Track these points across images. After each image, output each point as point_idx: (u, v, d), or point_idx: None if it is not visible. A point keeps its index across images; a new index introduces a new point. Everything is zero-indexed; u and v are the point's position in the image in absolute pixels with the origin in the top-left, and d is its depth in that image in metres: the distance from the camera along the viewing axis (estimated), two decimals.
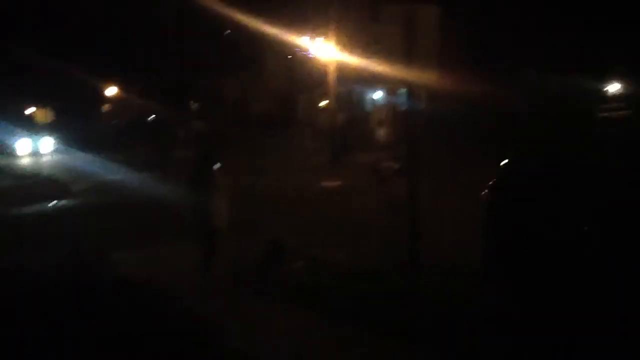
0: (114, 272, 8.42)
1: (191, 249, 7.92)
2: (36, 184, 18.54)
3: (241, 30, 27.12)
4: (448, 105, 23.79)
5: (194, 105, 47.88)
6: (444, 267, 7.27)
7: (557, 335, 5.03)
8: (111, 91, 50.99)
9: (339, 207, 12.78)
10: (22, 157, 34.08)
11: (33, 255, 9.64)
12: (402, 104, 26.02)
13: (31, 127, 34.28)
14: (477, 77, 22.47)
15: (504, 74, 22.85)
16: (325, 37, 24.14)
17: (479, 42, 24.55)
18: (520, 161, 6.46)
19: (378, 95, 33.08)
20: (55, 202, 15.74)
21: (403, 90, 7.59)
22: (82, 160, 28.06)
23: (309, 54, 26.65)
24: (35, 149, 34.59)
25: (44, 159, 31.60)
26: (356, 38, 24.12)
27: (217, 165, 7.67)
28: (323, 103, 32.67)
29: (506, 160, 6.42)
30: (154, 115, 51.97)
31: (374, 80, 28.04)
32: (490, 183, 6.42)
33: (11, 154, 33.84)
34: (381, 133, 29.16)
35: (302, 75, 32.16)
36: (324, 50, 24.18)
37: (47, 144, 34.54)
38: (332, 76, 23.65)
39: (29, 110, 39.86)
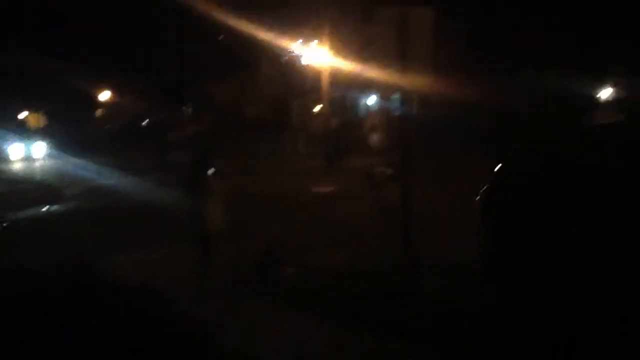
0: (109, 275, 8.39)
1: (186, 252, 7.91)
2: (29, 188, 18.48)
3: (235, 35, 27.12)
4: (443, 108, 23.84)
5: (187, 109, 47.86)
6: (442, 268, 7.30)
7: (557, 335, 5.04)
8: (104, 95, 50.94)
9: (332, 211, 12.79)
10: (14, 161, 33.92)
11: (27, 259, 9.60)
12: (396, 109, 26.11)
13: (24, 131, 34.13)
14: (474, 78, 22.53)
15: (503, 74, 22.90)
16: (319, 42, 24.20)
17: (478, 42, 24.62)
18: (514, 165, 6.47)
19: (372, 100, 33.18)
20: (48, 206, 15.66)
21: (397, 96, 7.62)
22: (75, 165, 27.95)
23: (303, 58, 26.70)
24: (28, 153, 34.44)
25: (37, 163, 31.46)
26: (350, 42, 24.17)
27: (212, 169, 7.67)
28: (317, 108, 32.73)
29: (499, 166, 6.43)
30: (147, 120, 51.94)
31: (367, 86, 28.09)
32: (484, 188, 6.43)
33: (4, 158, 33.68)
34: (375, 138, 29.19)
35: (296, 80, 32.20)
36: (318, 54, 24.24)
37: (40, 149, 34.40)
38: (325, 81, 23.71)
39: (22, 115, 39.72)
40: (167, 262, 9.02)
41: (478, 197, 6.43)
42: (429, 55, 6.65)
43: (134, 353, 5.59)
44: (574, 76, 23.60)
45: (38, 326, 6.28)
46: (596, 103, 27.34)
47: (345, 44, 24.10)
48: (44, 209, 15.61)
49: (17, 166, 31.41)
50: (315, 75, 25.50)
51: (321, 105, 26.28)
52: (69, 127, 42.45)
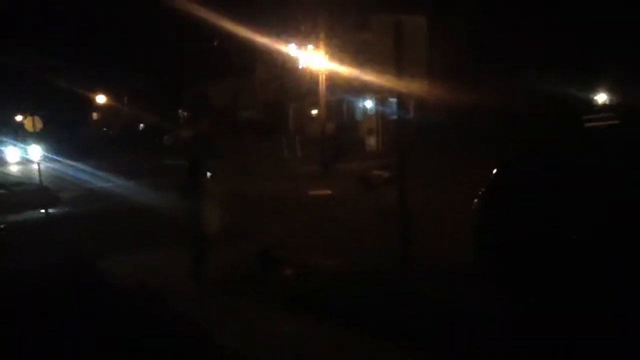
0: (106, 277, 8.43)
1: (184, 254, 7.95)
2: (26, 191, 18.41)
3: (231, 39, 27.18)
4: (440, 111, 23.92)
5: (183, 113, 47.89)
6: (441, 269, 7.35)
7: (557, 335, 5.09)
8: (100, 99, 50.91)
9: (330, 214, 12.84)
10: (11, 164, 33.87)
11: (25, 261, 9.63)
12: (392, 113, 26.19)
13: (20, 134, 34.10)
14: (473, 79, 22.58)
15: (502, 74, 22.94)
16: (315, 46, 24.29)
17: (477, 43, 24.67)
18: (513, 166, 6.51)
19: (368, 104, 33.27)
20: (45, 209, 15.67)
21: (393, 99, 7.67)
22: (72, 168, 27.94)
23: (299, 62, 26.77)
24: (25, 156, 34.37)
25: (34, 166, 31.38)
26: (346, 47, 24.26)
27: (209, 172, 7.74)
28: (313, 112, 32.81)
29: (498, 166, 6.48)
30: (143, 123, 51.93)
31: (363, 89, 28.18)
32: (482, 189, 6.48)
33: (0, 161, 33.63)
34: (371, 142, 29.29)
35: (292, 84, 32.24)
36: (314, 59, 24.32)
37: (36, 152, 34.32)
38: (322, 85, 23.78)
39: (18, 118, 39.70)
40: (165, 264, 9.06)
41: (477, 199, 6.48)
42: (424, 61, 6.74)
43: (132, 354, 5.63)
44: (573, 76, 23.71)
45: (36, 326, 6.32)
46: (594, 104, 27.49)
47: (341, 49, 24.19)
48: (41, 212, 15.61)
49: (13, 169, 31.36)
50: (312, 79, 25.55)
51: (317, 109, 26.34)
52: (65, 130, 42.48)
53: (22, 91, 41.46)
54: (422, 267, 7.02)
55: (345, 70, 23.06)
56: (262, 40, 25.93)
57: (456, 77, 22.13)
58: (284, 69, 29.44)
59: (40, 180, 19.14)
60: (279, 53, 27.45)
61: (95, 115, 59.20)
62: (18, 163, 34.84)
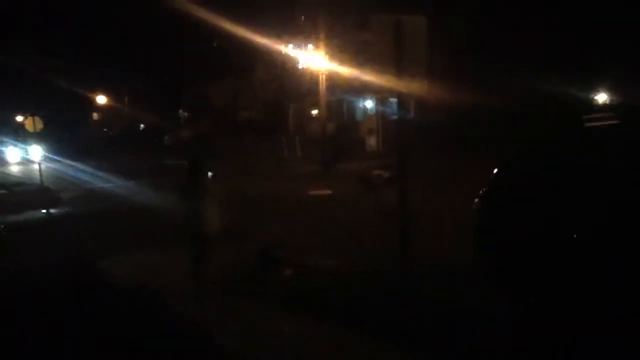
0: (107, 277, 8.44)
1: (184, 254, 7.96)
2: (26, 191, 18.45)
3: (231, 39, 27.20)
4: (440, 111, 23.91)
5: (184, 113, 47.92)
6: (441, 268, 7.36)
7: (556, 335, 5.09)
8: (101, 99, 50.94)
9: (330, 214, 12.86)
10: (12, 165, 33.91)
11: (25, 261, 9.64)
12: (393, 113, 26.21)
13: (21, 135, 34.15)
14: (473, 79, 22.57)
15: (502, 74, 22.93)
16: (315, 46, 24.30)
17: (477, 43, 24.66)
18: (513, 166, 6.52)
19: (368, 104, 33.27)
20: (46, 209, 15.70)
21: (393, 99, 7.67)
22: (72, 169, 27.97)
23: (299, 62, 26.79)
24: (25, 157, 34.41)
25: (34, 166, 31.42)
26: (346, 47, 24.28)
27: (209, 172, 7.75)
28: (313, 112, 32.82)
29: (498, 167, 6.49)
30: (143, 123, 51.96)
31: (364, 90, 28.19)
32: (481, 192, 6.49)
33: (1, 162, 33.66)
34: (371, 142, 29.31)
35: (292, 84, 32.25)
36: (314, 59, 24.33)
37: (36, 152, 34.37)
38: (322, 85, 23.79)
39: (19, 118, 39.74)
40: (165, 264, 9.08)
41: (477, 199, 6.49)
42: (423, 61, 6.75)
43: (132, 354, 5.64)
44: (573, 76, 23.71)
45: (36, 326, 6.33)
46: (594, 103, 27.49)
47: (341, 49, 24.20)
48: (41, 212, 15.64)
49: (14, 169, 31.39)
50: (312, 79, 25.56)
51: (317, 109, 26.35)
52: (66, 130, 42.52)
53: (22, 91, 41.50)
54: (422, 267, 7.03)
55: (345, 70, 23.07)
56: (262, 40, 25.95)
57: (456, 77, 22.11)
58: (284, 69, 29.46)
59: (41, 181, 19.18)
60: (279, 53, 27.47)
61: (95, 116, 59.26)
62: (18, 163, 34.89)
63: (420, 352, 5.27)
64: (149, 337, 5.97)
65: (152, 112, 43.40)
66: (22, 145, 34.86)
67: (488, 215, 6.28)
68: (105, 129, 55.76)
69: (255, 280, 7.88)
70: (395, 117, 11.48)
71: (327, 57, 23.52)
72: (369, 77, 7.11)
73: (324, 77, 23.69)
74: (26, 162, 33.80)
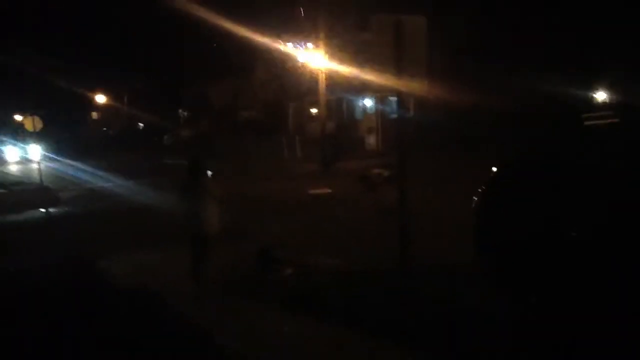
0: (107, 277, 8.44)
1: (184, 254, 7.96)
2: (25, 191, 18.47)
3: (231, 39, 27.20)
4: (440, 110, 23.92)
5: (183, 113, 47.92)
6: (440, 268, 7.37)
7: (556, 335, 5.09)
8: (100, 99, 50.92)
9: (330, 213, 12.85)
10: (11, 164, 33.90)
11: (25, 260, 9.64)
12: (392, 112, 26.22)
13: (20, 134, 34.15)
14: (473, 79, 22.58)
15: (502, 74, 22.95)
16: (315, 46, 24.29)
17: (477, 42, 24.67)
18: (511, 165, 6.53)
19: (368, 103, 33.27)
20: (45, 209, 15.68)
21: (393, 98, 7.68)
22: (72, 168, 27.97)
23: (299, 62, 26.77)
24: (25, 156, 34.40)
25: (33, 166, 31.44)
26: (346, 46, 24.27)
27: (209, 172, 7.75)
28: (313, 111, 32.83)
29: (496, 166, 6.50)
30: (143, 123, 51.97)
31: (363, 88, 28.18)
32: (480, 191, 6.49)
33: (0, 161, 33.66)
34: (371, 141, 29.31)
35: (292, 83, 32.23)
36: (314, 58, 24.32)
37: (35, 151, 34.38)
38: (321, 84, 23.79)
39: (18, 118, 39.73)
40: (165, 264, 9.07)
41: (476, 199, 6.49)
42: (423, 60, 6.76)
43: (132, 354, 5.64)
44: (573, 76, 23.72)
45: (36, 326, 6.33)
46: (594, 102, 27.50)
47: (341, 48, 24.20)
48: (41, 212, 15.63)
49: (13, 169, 31.38)
50: (312, 79, 25.55)
51: (317, 109, 26.34)
52: (65, 130, 42.51)
53: (22, 91, 41.51)
54: (422, 267, 7.03)
55: (345, 69, 23.06)
56: (262, 40, 25.93)
57: (456, 77, 22.13)
58: (283, 69, 29.44)
59: (41, 180, 19.16)
60: (279, 52, 27.44)
61: (95, 115, 59.26)
62: (18, 162, 34.89)
63: (420, 351, 5.27)
64: (149, 337, 5.97)
65: (151, 112, 43.40)
66: (22, 145, 34.86)
67: (487, 215, 6.28)
68: (104, 128, 55.79)
69: (255, 280, 7.87)
70: (394, 116, 11.49)
71: (326, 56, 23.52)
72: (368, 76, 7.11)
73: (323, 76, 23.69)
74: (25, 161, 33.80)
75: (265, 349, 5.62)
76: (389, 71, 6.64)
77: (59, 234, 12.62)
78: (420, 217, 7.99)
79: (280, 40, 26.26)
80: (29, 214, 15.51)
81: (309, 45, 25.11)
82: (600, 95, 28.28)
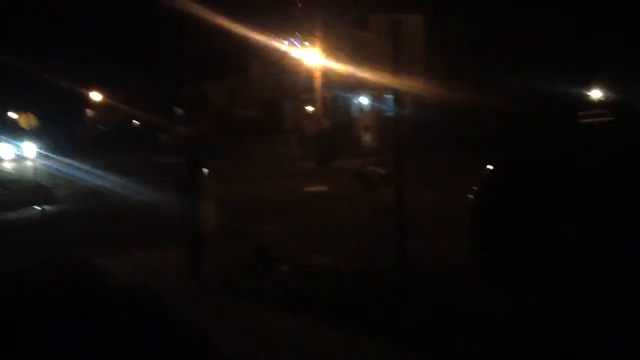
0: (102, 276, 8.40)
1: (180, 253, 7.95)
2: (21, 189, 18.42)
3: (228, 37, 27.15)
4: (436, 109, 23.94)
5: (179, 111, 47.79)
6: (437, 267, 7.39)
7: (556, 335, 5.10)
8: (96, 96, 50.71)
9: (326, 211, 12.85)
10: (5, 162, 33.76)
11: (19, 259, 9.59)
12: (389, 110, 26.22)
13: (15, 132, 33.98)
14: (469, 78, 22.60)
15: (497, 73, 22.98)
16: (312, 44, 24.28)
17: (473, 42, 24.70)
18: (506, 164, 6.53)
19: (364, 101, 33.28)
20: (39, 207, 15.63)
21: (389, 96, 7.67)
22: (66, 166, 27.87)
23: (295, 60, 26.75)
24: (19, 154, 34.25)
25: (28, 164, 31.32)
26: (343, 44, 24.26)
27: (206, 171, 7.72)
28: (309, 109, 32.80)
29: (491, 165, 6.49)
30: (138, 121, 51.84)
31: (360, 86, 28.18)
32: (476, 187, 6.49)
33: None
34: (367, 139, 29.34)
35: (288, 82, 32.20)
36: (311, 56, 24.31)
37: (30, 149, 34.23)
38: (318, 82, 23.78)
39: (13, 115, 39.55)
40: (163, 263, 9.04)
41: (471, 196, 6.49)
42: (421, 59, 6.76)
43: (130, 353, 5.62)
44: (571, 76, 23.78)
45: (33, 325, 6.31)
46: (588, 102, 27.56)
47: (338, 46, 24.18)
48: (36, 210, 15.57)
49: (8, 166, 31.26)
50: (308, 77, 25.54)
51: (313, 107, 26.33)
52: (60, 127, 42.35)
53: (16, 88, 41.34)
54: (420, 266, 7.02)
55: (341, 67, 23.06)
56: (259, 38, 25.89)
57: (454, 76, 22.14)
58: (280, 67, 29.41)
59: (36, 178, 19.08)
60: (276, 51, 27.42)
61: (90, 113, 59.04)
62: (12, 160, 34.75)
63: (420, 352, 5.26)
64: (148, 337, 5.95)
65: (147, 110, 43.26)
66: (16, 143, 34.69)
67: (483, 214, 6.28)
68: (99, 126, 55.62)
69: (253, 279, 7.86)
70: (391, 114, 11.48)
71: (323, 54, 23.51)
72: (365, 74, 7.10)
73: (320, 74, 23.69)
74: (20, 159, 33.65)
75: (264, 349, 5.61)
76: (386, 69, 6.63)
77: (55, 232, 12.57)
78: (417, 216, 7.98)
79: (277, 38, 26.23)
80: (25, 212, 15.46)
81: (306, 43, 25.10)
82: (599, 94, 28.34)
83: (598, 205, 5.10)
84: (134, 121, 52.87)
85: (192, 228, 7.44)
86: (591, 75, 26.20)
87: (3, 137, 36.56)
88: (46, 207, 15.82)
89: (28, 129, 20.09)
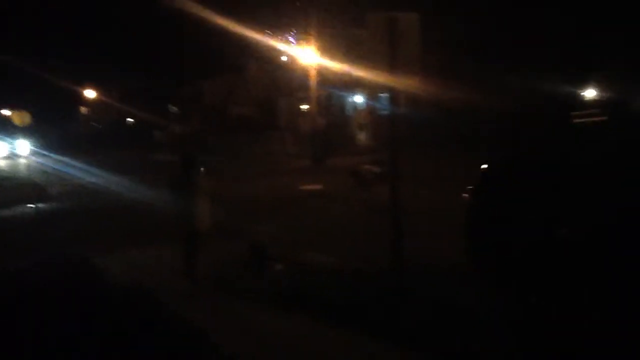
0: (96, 274, 8.37)
1: (173, 251, 7.92)
2: (14, 186, 18.37)
3: (222, 35, 27.10)
4: (432, 108, 23.97)
5: (174, 109, 47.69)
6: (432, 266, 7.39)
7: (555, 335, 5.11)
8: (90, 94, 50.55)
9: (321, 210, 12.85)
10: None
11: (12, 258, 9.54)
12: (384, 108, 26.24)
13: (8, 129, 33.83)
14: (467, 78, 22.62)
15: (498, 72, 23.00)
16: (307, 42, 24.26)
17: (470, 42, 24.71)
18: (501, 164, 6.54)
19: (359, 99, 33.29)
20: (33, 205, 15.55)
21: (384, 95, 7.66)
22: (61, 163, 27.77)
23: (291, 58, 26.75)
24: (13, 151, 34.12)
25: (22, 161, 31.22)
26: (338, 42, 24.26)
27: (201, 169, 7.71)
28: (304, 107, 32.79)
29: (486, 164, 6.51)
30: (132, 119, 51.68)
31: (355, 85, 28.19)
32: (471, 187, 6.50)
33: None
34: (362, 137, 29.35)
35: (283, 80, 32.18)
36: (306, 54, 24.29)
37: (24, 147, 34.11)
38: (313, 80, 23.76)
39: (6, 112, 39.35)
40: (156, 261, 9.01)
41: (466, 196, 6.50)
42: (417, 57, 6.76)
43: (127, 352, 5.60)
44: (566, 75, 23.84)
45: (30, 324, 6.28)
46: (583, 102, 27.65)
47: (333, 44, 24.19)
48: (30, 207, 15.49)
49: (1, 164, 31.13)
50: (303, 75, 25.53)
51: (308, 105, 26.32)
52: (54, 124, 42.18)
53: (9, 85, 41.13)
54: (416, 266, 7.02)
55: (336, 65, 23.07)
56: (254, 35, 25.86)
57: (453, 75, 22.16)
58: (275, 65, 29.39)
59: (29, 175, 19.01)
60: (272, 49, 27.40)
61: (84, 110, 58.83)
62: (6, 158, 34.60)
63: (418, 351, 5.27)
64: (144, 336, 5.93)
65: (141, 108, 43.15)
66: (10, 140, 34.56)
67: (478, 214, 6.29)
68: (93, 123, 55.45)
69: (248, 278, 7.84)
70: (385, 112, 11.48)
71: (319, 52, 23.50)
72: (361, 72, 7.09)
73: (315, 72, 23.67)
74: (13, 156, 33.52)
75: (260, 348, 5.60)
76: (382, 68, 6.62)
77: (49, 230, 12.50)
78: (412, 215, 7.99)
79: (272, 36, 26.21)
80: (18, 210, 15.39)
81: (302, 40, 25.09)
82: (595, 94, 28.42)
83: (591, 205, 5.12)
84: (127, 119, 52.73)
85: (186, 226, 7.43)
86: (591, 75, 26.27)
87: None
88: (40, 204, 15.74)
89: (22, 126, 19.96)
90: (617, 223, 4.89)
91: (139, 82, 46.24)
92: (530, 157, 6.31)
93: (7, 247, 10.55)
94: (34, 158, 31.74)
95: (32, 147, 33.97)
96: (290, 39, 26.33)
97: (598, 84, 27.12)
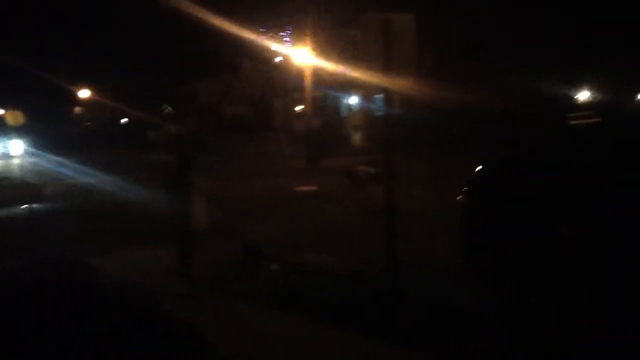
0: (92, 275, 8.35)
1: (169, 251, 7.91)
2: (8, 186, 18.28)
3: (217, 35, 27.08)
4: (427, 109, 24.01)
5: (168, 109, 47.61)
6: (427, 266, 7.40)
7: (552, 335, 5.13)
8: (84, 93, 50.35)
9: (316, 211, 12.85)
10: None
11: (7, 258, 9.50)
12: (378, 109, 26.27)
13: (1, 129, 33.66)
14: (464, 79, 22.68)
15: (494, 73, 23.05)
16: (302, 42, 24.27)
17: (468, 42, 24.77)
18: (495, 165, 6.57)
19: (354, 100, 33.32)
20: (27, 205, 15.49)
21: (379, 96, 7.67)
22: (54, 163, 27.67)
23: (285, 58, 26.76)
24: (6, 151, 33.96)
25: (15, 161, 31.06)
26: (333, 43, 24.29)
27: (196, 168, 7.70)
28: (299, 108, 32.80)
29: (481, 165, 6.54)
30: (126, 119, 51.52)
31: (350, 86, 28.22)
32: (465, 188, 6.53)
33: None
34: (357, 138, 29.37)
35: (278, 80, 32.17)
36: (301, 55, 24.29)
37: (17, 147, 33.97)
38: (308, 81, 23.76)
39: None
40: (152, 261, 9.00)
41: (460, 197, 6.52)
42: (412, 58, 6.77)
43: (124, 353, 5.59)
44: (566, 75, 23.94)
45: (27, 325, 6.26)
46: (579, 103, 27.77)
47: (328, 45, 24.20)
48: (24, 207, 15.44)
49: None
50: (298, 75, 25.53)
51: (303, 105, 26.33)
52: (48, 124, 42.00)
53: (3, 85, 40.94)
54: (411, 266, 7.04)
55: (331, 66, 23.08)
56: (249, 36, 25.85)
57: (449, 76, 22.21)
58: (271, 65, 29.39)
59: (23, 176, 18.93)
60: (267, 49, 27.40)
61: (78, 110, 58.61)
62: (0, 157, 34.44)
63: (415, 351, 5.28)
64: (141, 336, 5.92)
65: (135, 107, 43.02)
66: (3, 140, 34.40)
67: (472, 214, 6.31)
68: (87, 123, 55.29)
69: (244, 278, 7.84)
70: (380, 113, 11.54)
71: (314, 53, 23.51)
72: (356, 73, 7.10)
73: (310, 72, 23.68)
74: (7, 156, 33.37)
75: (256, 348, 5.60)
76: (377, 69, 6.64)
77: (43, 230, 12.45)
78: (407, 216, 8.00)
79: (267, 36, 26.21)
80: (12, 210, 15.33)
81: (297, 41, 25.10)
82: (592, 95, 28.53)
83: (587, 205, 5.15)
84: (121, 119, 52.57)
85: (182, 226, 7.42)
86: (591, 75, 26.38)
87: None
88: (34, 205, 15.69)
89: (15, 126, 19.88)
90: (610, 223, 4.93)
91: (134, 82, 46.10)
92: (525, 158, 6.34)
93: (0, 248, 10.50)
94: (27, 158, 31.63)
95: (26, 147, 33.86)
96: (286, 39, 26.34)
97: (597, 84, 27.24)
